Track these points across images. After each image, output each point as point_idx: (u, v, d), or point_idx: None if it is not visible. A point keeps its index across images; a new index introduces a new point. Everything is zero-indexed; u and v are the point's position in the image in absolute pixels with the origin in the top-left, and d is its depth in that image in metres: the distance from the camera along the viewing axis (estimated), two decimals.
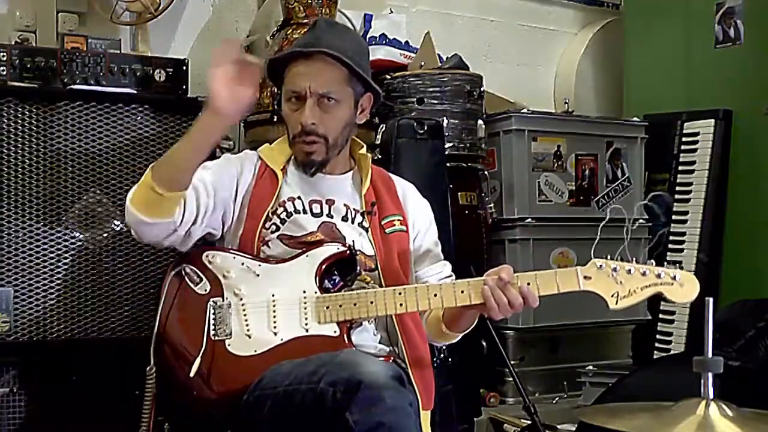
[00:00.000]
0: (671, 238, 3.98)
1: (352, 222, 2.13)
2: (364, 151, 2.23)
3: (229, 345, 1.94)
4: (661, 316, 3.92)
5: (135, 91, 2.58)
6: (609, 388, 2.83)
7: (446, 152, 3.18)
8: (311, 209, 2.12)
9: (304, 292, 1.99)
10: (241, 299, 1.97)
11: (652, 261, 1.94)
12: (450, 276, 2.20)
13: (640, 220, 3.82)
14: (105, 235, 2.46)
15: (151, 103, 2.56)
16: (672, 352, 3.84)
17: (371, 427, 1.68)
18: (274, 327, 1.96)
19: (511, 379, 3.20)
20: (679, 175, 4.03)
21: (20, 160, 2.40)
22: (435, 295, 1.96)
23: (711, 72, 4.04)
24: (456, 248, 2.91)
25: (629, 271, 1.92)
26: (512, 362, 3.21)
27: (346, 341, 1.96)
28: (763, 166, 3.83)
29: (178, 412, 2.01)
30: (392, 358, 2.03)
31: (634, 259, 1.94)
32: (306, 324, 1.96)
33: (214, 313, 1.96)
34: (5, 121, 2.39)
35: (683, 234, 3.95)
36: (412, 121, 3.11)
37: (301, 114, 2.06)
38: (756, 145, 3.87)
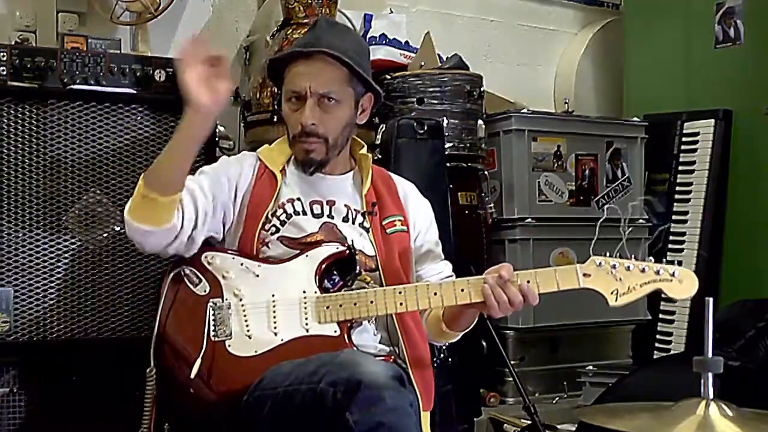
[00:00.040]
0: (671, 238, 3.98)
1: (353, 223, 2.13)
2: (364, 151, 2.22)
3: (229, 346, 1.94)
4: (661, 316, 3.92)
5: (135, 91, 2.58)
6: (609, 388, 2.83)
7: (446, 152, 3.18)
8: (312, 210, 2.12)
9: (304, 292, 1.99)
10: (241, 300, 1.97)
11: (651, 258, 1.95)
12: (451, 276, 2.20)
13: (640, 220, 3.82)
14: (105, 235, 2.46)
15: (151, 103, 2.56)
16: (672, 352, 3.84)
17: (371, 427, 1.68)
18: (275, 327, 1.96)
19: (511, 379, 3.20)
20: (679, 175, 4.03)
21: (20, 160, 2.40)
22: (435, 294, 1.96)
23: (711, 72, 4.04)
24: (456, 248, 2.91)
25: (628, 268, 1.92)
26: (512, 362, 3.21)
27: (347, 341, 1.96)
28: (763, 166, 3.83)
29: (178, 413, 2.01)
30: (392, 358, 2.02)
31: (632, 256, 1.94)
32: (306, 324, 1.96)
33: (213, 314, 1.96)
34: (5, 121, 2.39)
35: (683, 234, 3.96)
36: (412, 121, 3.11)
37: (301, 114, 2.06)
38: (756, 145, 3.87)
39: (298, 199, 2.12)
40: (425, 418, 2.02)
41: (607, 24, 4.58)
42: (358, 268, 2.04)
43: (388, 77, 3.35)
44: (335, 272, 2.04)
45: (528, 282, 1.93)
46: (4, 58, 2.46)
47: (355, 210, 2.15)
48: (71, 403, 2.42)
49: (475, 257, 3.18)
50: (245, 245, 2.06)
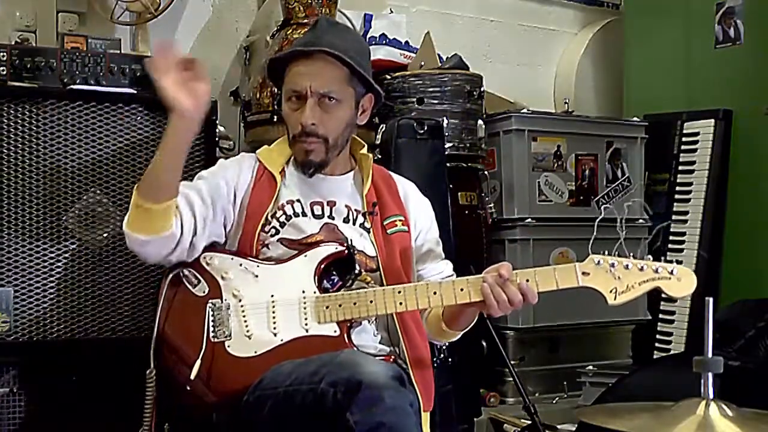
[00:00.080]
0: (671, 237, 3.98)
1: (354, 223, 2.13)
2: (365, 150, 2.22)
3: (228, 346, 1.93)
4: (661, 316, 3.92)
5: (135, 91, 2.58)
6: (609, 388, 2.83)
7: (446, 152, 3.18)
8: (312, 211, 2.11)
9: (304, 292, 1.98)
10: (240, 300, 1.97)
11: (650, 256, 1.95)
12: (451, 275, 2.20)
13: (640, 220, 3.82)
14: (105, 235, 2.45)
15: (151, 103, 2.55)
16: (672, 352, 3.84)
17: (372, 427, 1.68)
18: (274, 328, 1.95)
19: (511, 379, 3.20)
20: (679, 175, 4.03)
21: (20, 160, 2.39)
22: (434, 293, 1.96)
23: (711, 72, 4.04)
24: (456, 248, 2.91)
25: (627, 267, 1.92)
26: (512, 362, 3.21)
27: (347, 341, 1.96)
28: (763, 166, 3.83)
29: (178, 414, 2.01)
30: (392, 358, 2.02)
31: (631, 254, 1.94)
32: (306, 324, 1.96)
33: (213, 315, 1.96)
34: (5, 120, 2.38)
35: (683, 234, 3.96)
36: (412, 121, 3.11)
37: (301, 114, 2.06)
38: (756, 145, 3.87)
39: (298, 200, 2.11)
40: (425, 418, 2.02)
41: (607, 24, 4.58)
42: (358, 268, 2.04)
43: (388, 77, 3.36)
44: (335, 272, 2.04)
45: (527, 281, 1.93)
46: (4, 58, 2.46)
47: (355, 210, 2.14)
48: (71, 403, 2.42)
49: (475, 257, 3.18)
50: (244, 247, 2.05)
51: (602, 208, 3.66)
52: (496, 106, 3.75)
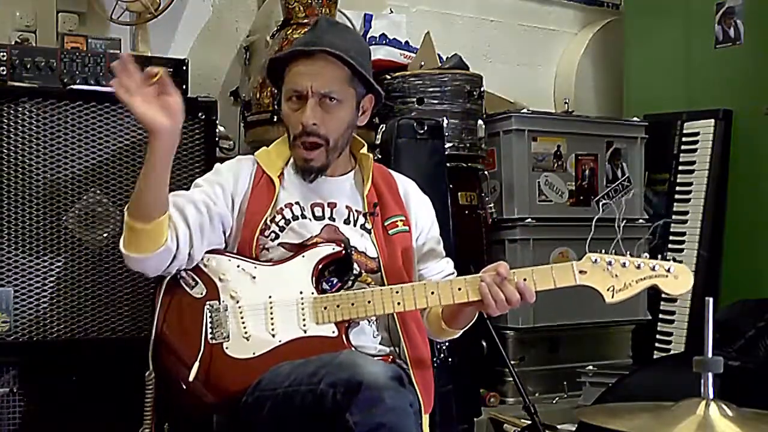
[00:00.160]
0: (671, 237, 3.98)
1: (355, 224, 2.12)
2: (365, 150, 2.21)
3: (227, 348, 1.93)
4: (661, 316, 3.92)
5: None
6: (609, 388, 2.82)
7: (446, 152, 3.18)
8: (313, 212, 2.11)
9: (301, 293, 1.98)
10: (238, 302, 1.97)
11: (646, 254, 1.95)
12: (452, 273, 2.20)
13: (640, 220, 3.82)
14: (105, 235, 2.45)
15: None
16: (672, 352, 3.84)
17: (371, 428, 1.67)
18: (272, 329, 1.95)
19: (511, 379, 3.20)
20: (679, 175, 4.03)
21: (20, 160, 2.39)
22: (432, 293, 1.96)
23: (711, 72, 4.04)
24: (456, 248, 2.91)
25: (624, 265, 1.93)
26: (512, 362, 3.21)
27: (345, 341, 1.96)
28: (763, 166, 3.83)
29: (178, 415, 2.01)
30: (392, 358, 2.02)
31: (628, 252, 1.94)
32: (304, 325, 1.96)
33: (210, 317, 1.95)
34: (5, 121, 2.38)
35: (683, 234, 3.96)
36: (412, 121, 3.11)
37: (302, 114, 2.05)
38: (756, 145, 3.87)
39: (297, 203, 2.10)
40: (424, 420, 2.01)
41: (607, 24, 4.58)
42: (357, 269, 2.04)
43: (388, 77, 3.36)
44: (333, 274, 2.04)
45: (525, 280, 1.93)
46: (4, 58, 2.46)
47: (356, 211, 2.14)
48: (71, 403, 2.41)
49: (475, 257, 3.18)
50: (243, 252, 2.05)
51: (601, 205, 3.66)
52: (496, 106, 3.75)
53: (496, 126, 3.58)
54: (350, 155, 2.21)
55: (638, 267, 1.92)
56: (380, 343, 2.07)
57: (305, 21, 3.15)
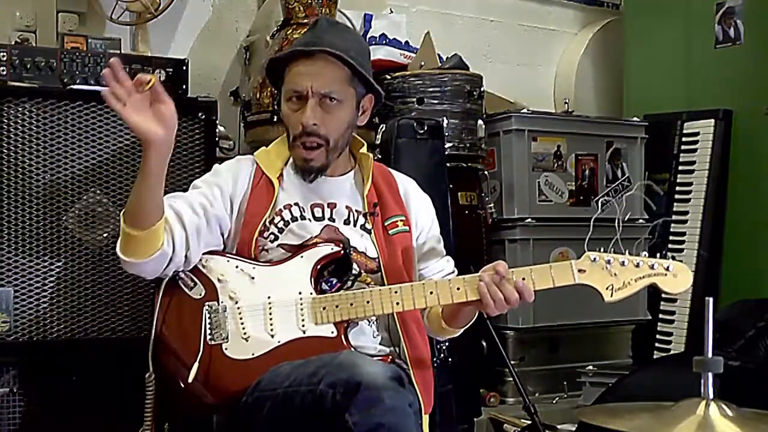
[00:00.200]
0: (672, 237, 3.98)
1: (355, 225, 2.12)
2: (365, 150, 2.21)
3: (226, 349, 1.93)
4: (661, 316, 3.92)
5: None
6: (609, 388, 2.82)
7: (446, 152, 3.18)
8: (313, 213, 2.11)
9: (300, 293, 1.98)
10: (237, 302, 1.97)
11: (645, 253, 1.95)
12: (453, 272, 2.19)
13: (640, 220, 3.82)
14: (105, 235, 2.45)
15: None
16: (672, 352, 3.84)
17: (371, 428, 1.67)
18: (271, 329, 1.95)
19: (511, 379, 3.20)
20: (679, 175, 4.03)
21: (20, 160, 2.39)
22: (431, 293, 1.96)
23: (711, 72, 4.04)
24: (456, 248, 2.91)
25: (623, 263, 1.93)
26: (512, 362, 3.21)
27: (344, 342, 1.96)
28: (763, 166, 3.83)
29: (178, 416, 2.01)
30: (392, 358, 2.02)
31: (627, 251, 1.94)
32: (303, 325, 1.96)
33: (209, 318, 1.95)
34: (5, 120, 2.38)
35: (683, 234, 3.96)
36: (412, 121, 3.11)
37: (302, 114, 2.04)
38: (756, 145, 3.87)
39: (297, 204, 2.10)
40: (424, 419, 2.01)
41: (607, 24, 4.58)
42: (357, 269, 2.04)
43: (388, 77, 3.36)
44: (333, 274, 2.04)
45: (523, 279, 1.93)
46: (4, 58, 2.46)
47: (356, 211, 2.13)
48: (71, 403, 2.42)
49: (475, 257, 3.18)
50: (242, 252, 2.05)
51: (600, 203, 3.66)
52: (496, 106, 3.75)
53: (496, 126, 3.58)
54: (350, 155, 2.21)
55: (637, 265, 1.92)
56: (380, 344, 2.07)
57: (305, 21, 3.15)
